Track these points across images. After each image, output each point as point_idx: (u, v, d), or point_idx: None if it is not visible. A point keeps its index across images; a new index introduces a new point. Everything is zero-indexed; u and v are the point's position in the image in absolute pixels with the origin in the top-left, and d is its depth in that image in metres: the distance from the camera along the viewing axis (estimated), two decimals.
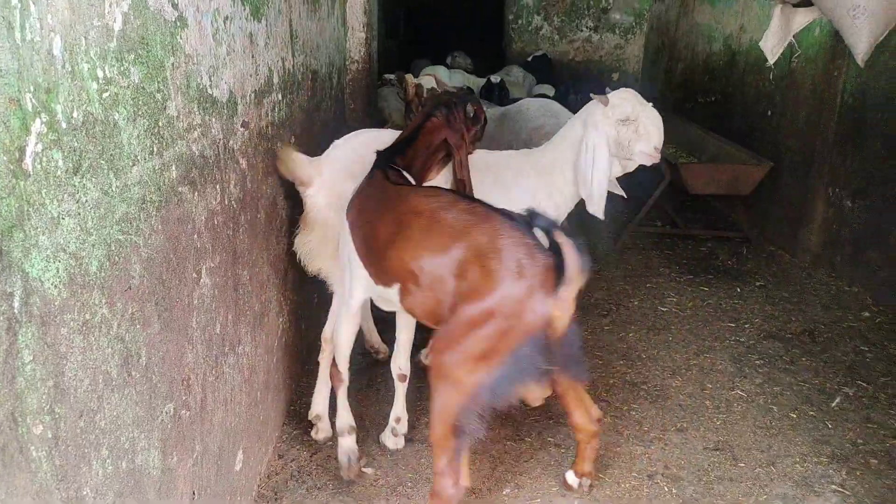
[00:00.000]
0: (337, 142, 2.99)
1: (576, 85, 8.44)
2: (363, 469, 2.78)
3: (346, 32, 4.55)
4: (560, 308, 1.90)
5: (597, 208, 3.00)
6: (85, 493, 1.32)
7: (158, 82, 1.55)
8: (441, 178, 2.88)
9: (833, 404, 3.35)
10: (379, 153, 2.58)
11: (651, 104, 3.02)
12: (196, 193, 1.80)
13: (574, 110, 6.19)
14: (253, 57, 2.30)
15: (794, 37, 4.33)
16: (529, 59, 8.92)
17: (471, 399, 1.97)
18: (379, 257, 2.25)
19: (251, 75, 2.28)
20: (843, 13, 3.39)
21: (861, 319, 4.29)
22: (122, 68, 1.38)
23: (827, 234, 4.99)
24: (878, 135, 4.48)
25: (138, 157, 1.46)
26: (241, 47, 2.16)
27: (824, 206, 4.99)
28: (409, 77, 5.72)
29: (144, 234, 1.51)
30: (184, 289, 1.74)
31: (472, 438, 2.05)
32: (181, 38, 1.67)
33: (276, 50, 2.62)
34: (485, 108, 4.78)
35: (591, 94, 3.04)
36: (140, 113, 1.47)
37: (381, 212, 2.27)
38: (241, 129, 2.18)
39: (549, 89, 6.90)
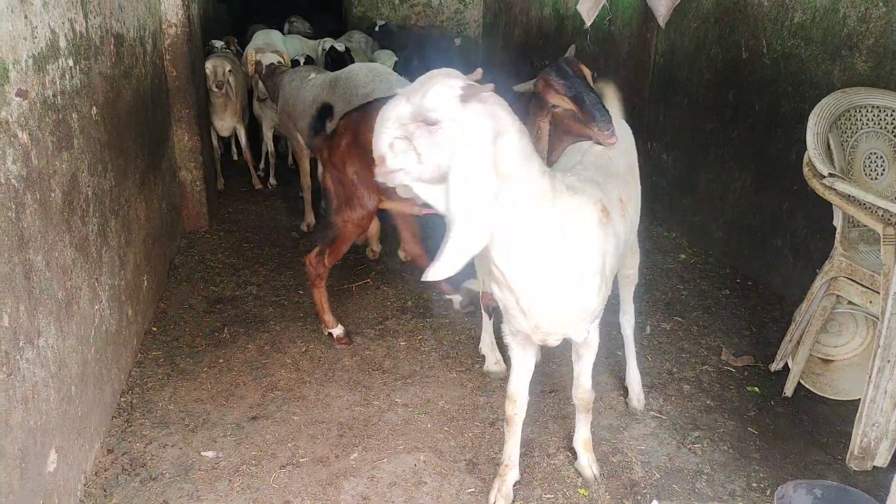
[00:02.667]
0: None
1: (418, 51, 8.48)
2: (202, 454, 2.68)
3: None
4: None
5: None
6: None
7: None
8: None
9: (649, 336, 3.69)
10: None
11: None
12: None
13: (416, 76, 6.21)
14: (26, 17, 2.05)
15: (606, 1, 4.59)
16: (376, 28, 8.81)
17: None
18: None
19: (25, 38, 2.03)
20: None
21: (678, 262, 4.73)
22: None
23: (648, 186, 5.40)
24: (684, 92, 4.90)
25: None
26: (8, 6, 1.92)
27: (644, 159, 5.37)
28: (251, 54, 5.47)
29: None
30: None
31: None
32: None
33: (61, 10, 2.36)
34: (316, 75, 4.71)
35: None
36: None
37: None
38: (17, 99, 1.95)
39: (388, 55, 6.84)
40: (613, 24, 5.59)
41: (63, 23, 2.38)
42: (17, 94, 1.96)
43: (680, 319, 3.92)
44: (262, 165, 6.43)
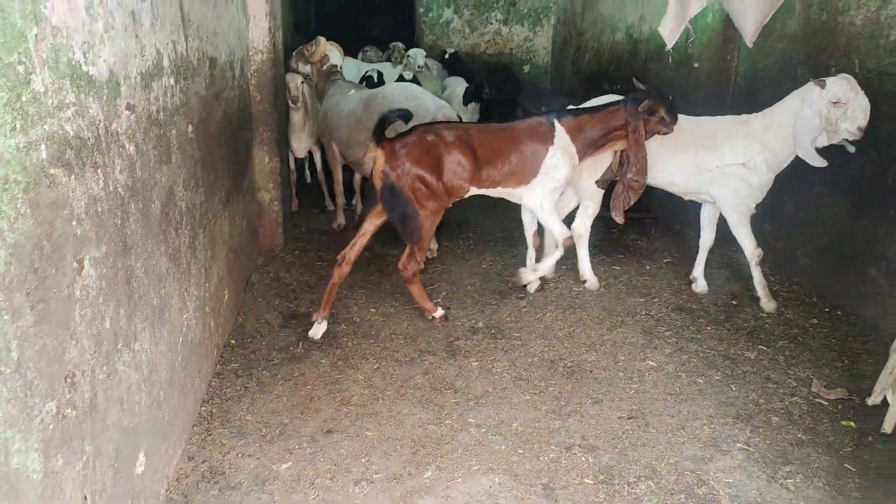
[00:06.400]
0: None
1: (489, 77, 8.56)
2: (278, 465, 2.70)
3: (247, 22, 4.40)
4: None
5: (812, 161, 3.78)
6: None
7: (19, 53, 1.43)
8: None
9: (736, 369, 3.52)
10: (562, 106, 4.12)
11: (862, 91, 3.57)
12: (73, 177, 1.68)
13: (491, 102, 6.32)
14: (137, 37, 2.17)
15: (689, 22, 4.53)
16: (446, 56, 9.01)
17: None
18: None
19: (136, 56, 2.15)
20: None
21: None
22: None
23: None
24: None
25: None
26: (122, 25, 2.04)
27: None
28: (322, 40, 5.75)
29: (9, 218, 1.39)
30: (62, 279, 1.62)
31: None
32: (46, 7, 1.56)
33: (166, 32, 2.49)
34: (355, 91, 5.04)
35: (811, 79, 3.71)
36: None
37: None
38: (127, 112, 2.06)
39: (459, 81, 6.95)
40: (693, 46, 5.49)
41: (167, 44, 2.51)
42: (127, 108, 2.07)
43: (765, 349, 3.73)
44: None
